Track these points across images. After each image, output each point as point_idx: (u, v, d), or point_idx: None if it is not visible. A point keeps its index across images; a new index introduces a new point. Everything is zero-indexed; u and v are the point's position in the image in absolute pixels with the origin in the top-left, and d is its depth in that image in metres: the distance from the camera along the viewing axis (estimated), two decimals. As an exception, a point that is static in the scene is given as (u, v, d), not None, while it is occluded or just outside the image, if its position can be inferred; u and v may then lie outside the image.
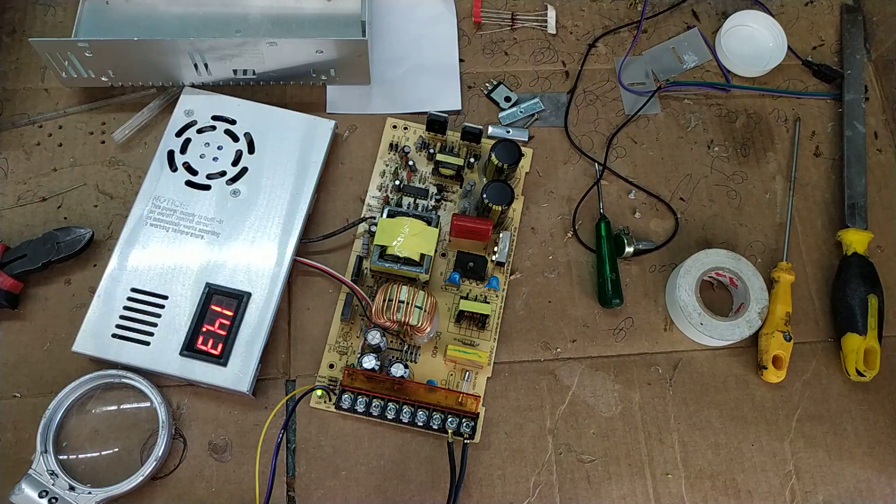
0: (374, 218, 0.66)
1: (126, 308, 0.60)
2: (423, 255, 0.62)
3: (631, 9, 0.78)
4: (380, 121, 0.71)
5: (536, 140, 0.72)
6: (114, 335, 0.59)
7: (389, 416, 0.59)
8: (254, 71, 0.67)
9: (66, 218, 0.66)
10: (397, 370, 0.60)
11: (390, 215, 0.63)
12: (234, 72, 0.67)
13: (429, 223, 0.63)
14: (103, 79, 0.67)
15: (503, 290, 0.66)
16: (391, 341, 0.63)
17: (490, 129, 0.71)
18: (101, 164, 0.68)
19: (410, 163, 0.69)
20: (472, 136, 0.68)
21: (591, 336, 0.66)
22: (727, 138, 0.74)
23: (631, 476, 0.62)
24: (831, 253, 0.70)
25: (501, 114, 0.72)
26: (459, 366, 0.63)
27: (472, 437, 0.59)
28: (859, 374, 0.63)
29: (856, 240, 0.68)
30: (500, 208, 0.63)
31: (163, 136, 0.66)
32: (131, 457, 0.58)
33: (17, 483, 0.56)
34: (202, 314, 0.60)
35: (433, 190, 0.68)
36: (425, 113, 0.69)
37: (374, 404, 0.59)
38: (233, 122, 0.67)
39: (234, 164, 0.65)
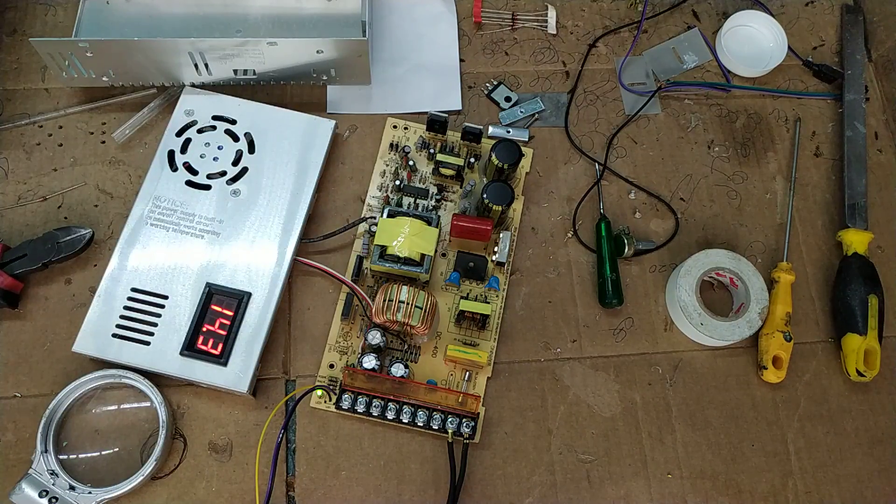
0: (375, 218, 0.66)
1: (126, 308, 0.60)
2: (423, 255, 0.62)
3: (631, 9, 0.78)
4: (380, 121, 0.71)
5: (537, 140, 0.72)
6: (114, 335, 0.59)
7: (389, 416, 0.59)
8: (254, 71, 0.67)
9: (66, 218, 0.66)
10: (397, 370, 0.60)
11: (390, 215, 0.63)
12: (235, 72, 0.67)
13: (429, 223, 0.63)
14: (104, 79, 0.67)
15: (503, 290, 0.66)
16: (391, 341, 0.63)
17: (490, 129, 0.71)
18: (101, 163, 0.68)
19: (411, 163, 0.69)
20: (472, 136, 0.68)
21: (591, 336, 0.66)
22: (727, 138, 0.74)
23: (631, 476, 0.62)
24: (831, 253, 0.70)
25: (502, 114, 0.72)
26: (459, 366, 0.63)
27: (472, 437, 0.59)
28: (859, 374, 0.63)
29: (856, 240, 0.68)
30: (500, 208, 0.63)
31: (163, 136, 0.66)
32: (131, 457, 0.58)
33: (17, 483, 0.56)
34: (202, 314, 0.60)
35: (433, 190, 0.68)
36: (425, 113, 0.69)
37: (374, 404, 0.59)
38: (233, 122, 0.67)
39: (235, 163, 0.65)
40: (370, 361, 0.59)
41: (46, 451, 0.57)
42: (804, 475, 0.63)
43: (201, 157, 0.65)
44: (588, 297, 0.67)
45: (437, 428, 0.59)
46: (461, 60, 0.75)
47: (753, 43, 0.78)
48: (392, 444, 0.61)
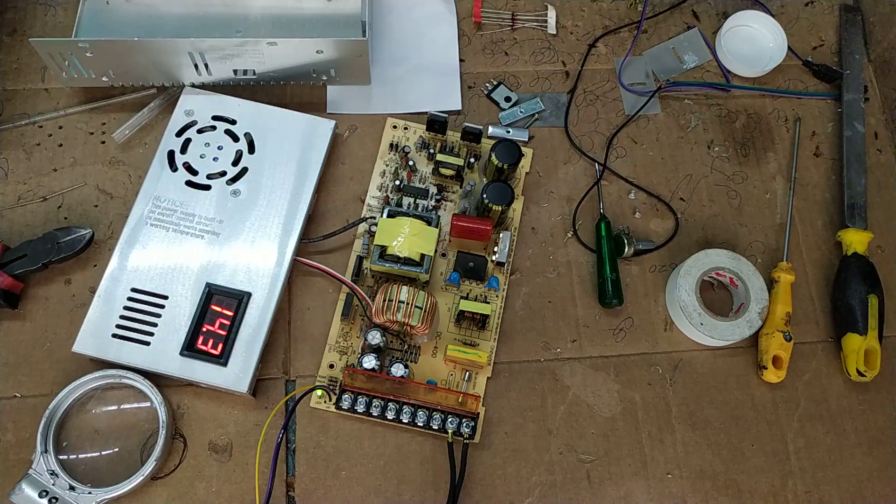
0: (374, 218, 0.66)
1: (126, 308, 0.60)
2: (423, 255, 0.62)
3: (631, 9, 0.78)
4: (380, 121, 0.71)
5: (536, 140, 0.72)
6: (114, 335, 0.59)
7: (389, 416, 0.59)
8: (254, 71, 0.67)
9: (66, 218, 0.66)
10: (397, 370, 0.60)
11: (390, 215, 0.63)
12: (235, 72, 0.67)
13: (429, 223, 0.63)
14: (104, 79, 0.67)
15: (503, 290, 0.66)
16: (391, 341, 0.63)
17: (490, 129, 0.71)
18: (101, 164, 0.68)
19: (410, 163, 0.69)
20: (472, 136, 0.68)
21: (591, 336, 0.66)
22: (727, 138, 0.74)
23: (631, 476, 0.62)
24: (831, 253, 0.70)
25: (501, 114, 0.72)
26: (459, 366, 0.63)
27: (472, 437, 0.59)
28: (860, 374, 0.63)
29: (856, 240, 0.68)
30: (500, 208, 0.63)
31: (163, 136, 0.66)
32: (131, 457, 0.58)
33: (17, 483, 0.56)
34: (202, 314, 0.60)
35: (433, 190, 0.68)
36: (425, 113, 0.69)
37: (374, 404, 0.59)
38: (233, 122, 0.67)
39: (235, 164, 0.65)
40: (370, 361, 0.59)
41: (46, 451, 0.57)
42: (804, 475, 0.63)
43: (201, 157, 0.65)
44: (588, 297, 0.67)
45: (437, 428, 0.59)
46: (461, 60, 0.75)
47: (753, 43, 0.78)
48: (392, 444, 0.61)
